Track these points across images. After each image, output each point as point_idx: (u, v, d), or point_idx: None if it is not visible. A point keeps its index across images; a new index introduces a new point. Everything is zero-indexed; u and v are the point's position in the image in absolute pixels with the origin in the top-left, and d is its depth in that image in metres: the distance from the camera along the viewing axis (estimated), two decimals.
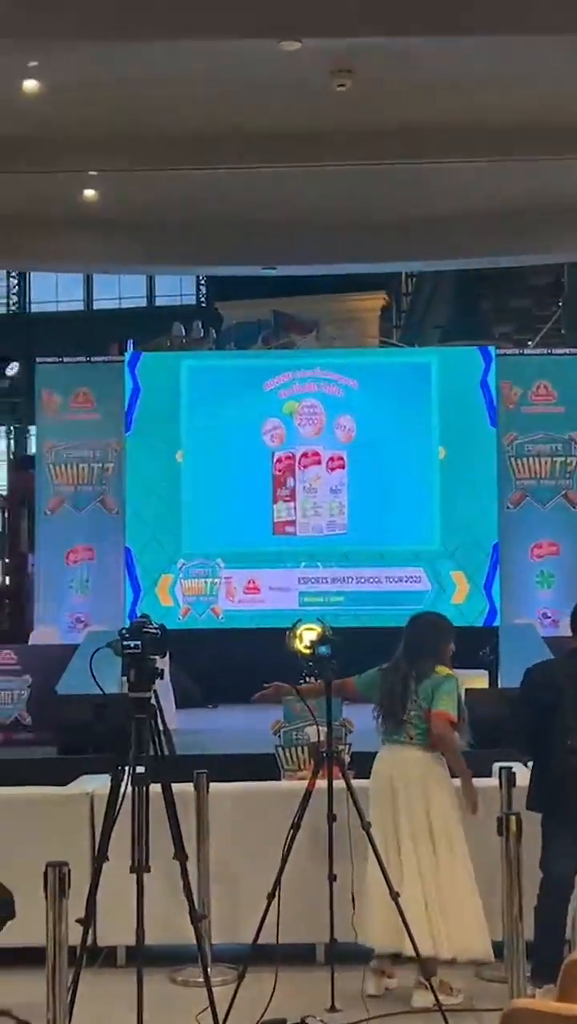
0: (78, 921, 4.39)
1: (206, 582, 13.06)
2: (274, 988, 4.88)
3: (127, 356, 13.89)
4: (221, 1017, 4.62)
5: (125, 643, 4.62)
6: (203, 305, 29.43)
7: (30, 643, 12.20)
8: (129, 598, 12.99)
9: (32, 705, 9.66)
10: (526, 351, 14.87)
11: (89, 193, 11.51)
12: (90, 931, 4.70)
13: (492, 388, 13.06)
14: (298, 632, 5.74)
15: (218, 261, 13.65)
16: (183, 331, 20.05)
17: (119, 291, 32.18)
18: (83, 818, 5.75)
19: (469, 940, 5.18)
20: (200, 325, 21.52)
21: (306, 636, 5.62)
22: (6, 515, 20.21)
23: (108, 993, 5.08)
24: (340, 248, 12.61)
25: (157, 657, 4.69)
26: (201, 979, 4.73)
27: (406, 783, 5.31)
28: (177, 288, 31.63)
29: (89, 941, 4.76)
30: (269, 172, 10.70)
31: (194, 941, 4.74)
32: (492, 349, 13.53)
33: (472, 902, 5.23)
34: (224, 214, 11.86)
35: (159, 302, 32.12)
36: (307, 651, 5.51)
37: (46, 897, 3.69)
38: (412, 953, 5.03)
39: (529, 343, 17.61)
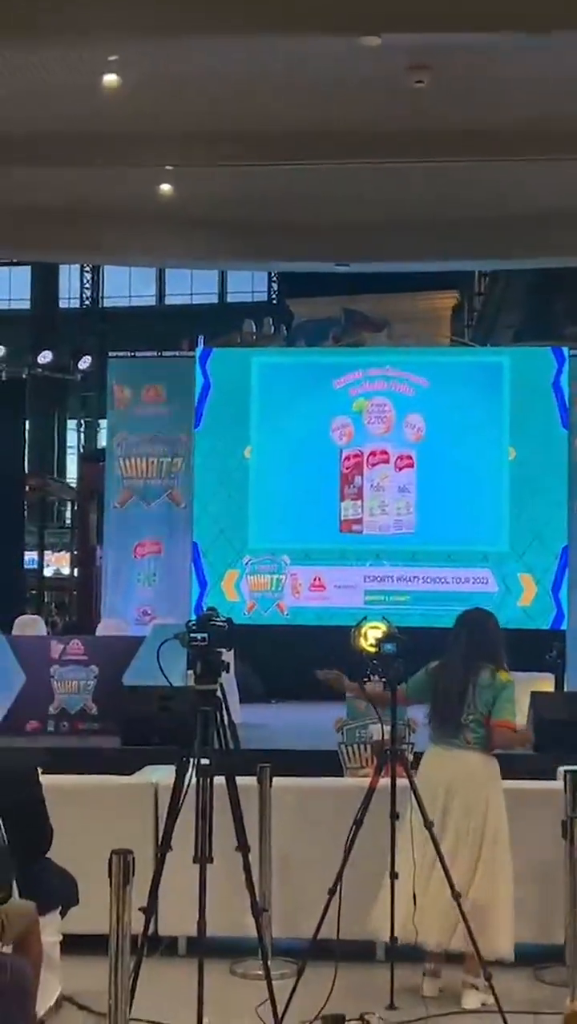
0: (141, 910, 4.43)
1: (272, 578, 13.09)
2: (333, 984, 4.88)
3: (198, 352, 13.96)
4: (280, 1011, 4.62)
5: (192, 635, 4.65)
6: (274, 302, 29.49)
7: (98, 634, 12.30)
8: (195, 592, 13.06)
9: (99, 696, 9.72)
10: None
11: (165, 188, 11.57)
12: (152, 920, 4.74)
13: (565, 389, 12.92)
14: (363, 630, 5.73)
15: (291, 257, 13.64)
16: (254, 327, 20.11)
17: (191, 287, 32.37)
18: (147, 808, 5.80)
19: (499, 939, 5.14)
20: (271, 322, 21.56)
21: (371, 634, 5.60)
22: (75, 508, 20.43)
23: (169, 983, 5.11)
24: (414, 246, 12.54)
25: (223, 650, 4.72)
26: (261, 972, 4.75)
27: (465, 787, 5.26)
28: (249, 285, 31.74)
29: (151, 930, 4.81)
30: (345, 168, 10.68)
31: (255, 933, 4.76)
32: (565, 350, 13.39)
33: (509, 901, 5.20)
34: (298, 210, 11.86)
35: (231, 299, 32.25)
36: (372, 649, 5.50)
37: (110, 885, 3.72)
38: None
39: None
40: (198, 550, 13.13)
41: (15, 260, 29.45)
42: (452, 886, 4.95)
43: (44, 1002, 4.65)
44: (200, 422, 13.25)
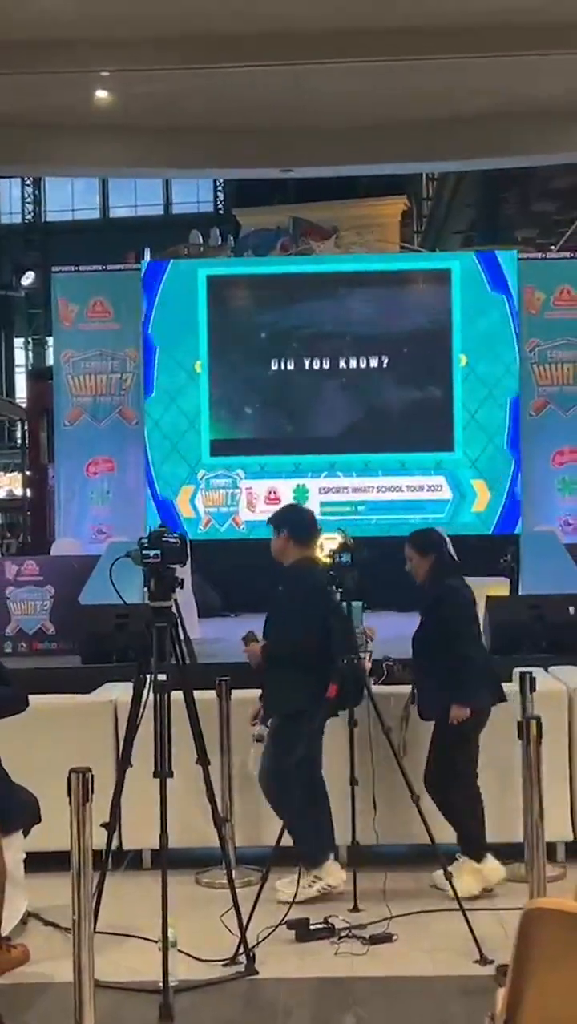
0: (103, 826, 4.46)
1: (226, 493, 13.04)
2: (297, 889, 4.96)
3: (143, 264, 13.72)
4: (245, 918, 4.69)
5: (145, 553, 4.62)
6: (220, 212, 29.06)
7: (52, 554, 12.25)
8: (150, 509, 12.98)
9: (55, 615, 9.71)
10: (549, 255, 14.60)
11: (101, 94, 11.25)
12: (116, 835, 4.78)
13: (512, 294, 12.84)
14: (319, 542, 5.73)
15: (234, 163, 13.35)
16: (200, 239, 19.76)
17: (135, 199, 31.80)
18: (107, 725, 5.82)
19: None
20: (218, 233, 21.21)
21: (327, 545, 5.61)
22: (26, 427, 20.21)
23: (135, 895, 5.18)
24: (357, 149, 12.31)
25: (177, 566, 4.70)
26: (225, 881, 4.81)
27: None
28: (194, 195, 31.24)
29: (115, 845, 4.85)
30: (285, 70, 10.39)
31: (218, 844, 4.81)
32: (515, 253, 13.30)
33: None
34: (240, 115, 11.57)
35: (176, 210, 31.74)
36: (328, 560, 5.51)
37: (70, 803, 3.73)
38: None
39: (552, 247, 17.29)
40: (158, 464, 13.00)
41: None
42: (411, 788, 5.03)
43: (10, 919, 4.69)
44: (149, 336, 13.06)
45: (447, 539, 5.95)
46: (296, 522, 5.62)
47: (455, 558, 5.93)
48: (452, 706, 5.25)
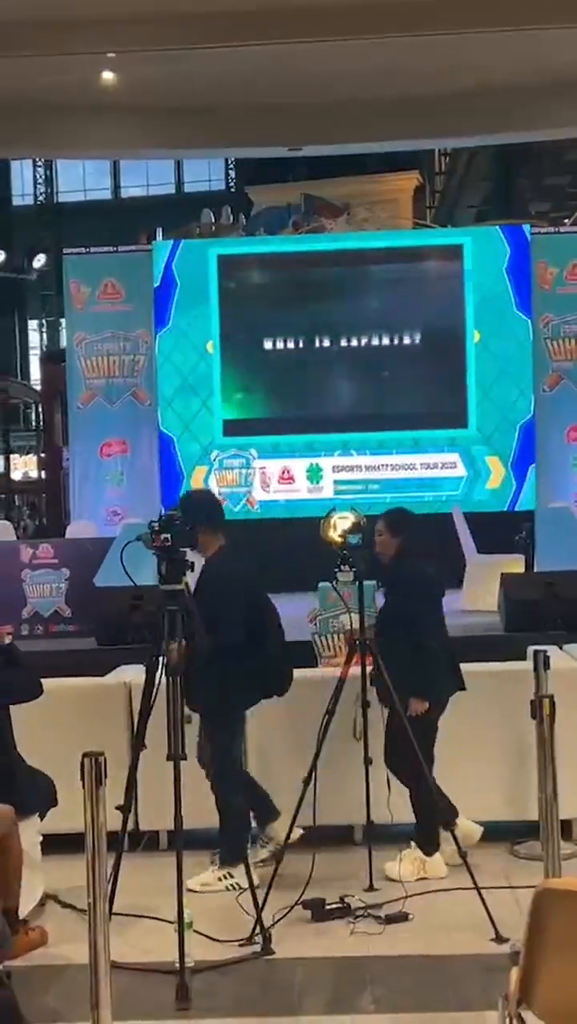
0: (118, 808, 4.48)
1: (240, 473, 13.03)
2: (312, 869, 4.97)
3: (154, 245, 13.67)
4: (261, 898, 4.71)
5: (155, 536, 4.61)
6: (232, 190, 28.95)
7: (67, 537, 12.26)
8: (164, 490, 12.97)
9: (71, 598, 9.72)
10: (562, 229, 14.47)
11: (108, 76, 11.19)
12: (132, 817, 4.80)
13: (526, 270, 12.73)
14: (332, 521, 5.72)
15: (242, 142, 13.29)
16: (212, 217, 19.70)
17: (147, 178, 31.73)
18: (121, 707, 5.84)
19: None
20: (229, 211, 21.14)
21: (340, 525, 5.59)
22: (40, 410, 20.24)
23: (151, 876, 5.20)
24: (366, 125, 12.24)
25: (188, 549, 4.69)
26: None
27: None
28: (206, 174, 31.14)
29: (131, 826, 4.87)
30: (292, 47, 10.32)
31: None
32: (526, 228, 13.20)
33: None
34: (247, 93, 11.51)
35: (188, 188, 31.65)
36: (339, 540, 5.50)
37: (83, 786, 3.74)
38: None
39: (565, 221, 17.17)
40: (166, 447, 13.01)
41: None
42: (424, 768, 5.03)
43: (28, 901, 4.73)
44: (161, 317, 13.03)
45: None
46: (206, 509, 5.40)
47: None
48: (411, 699, 5.22)
